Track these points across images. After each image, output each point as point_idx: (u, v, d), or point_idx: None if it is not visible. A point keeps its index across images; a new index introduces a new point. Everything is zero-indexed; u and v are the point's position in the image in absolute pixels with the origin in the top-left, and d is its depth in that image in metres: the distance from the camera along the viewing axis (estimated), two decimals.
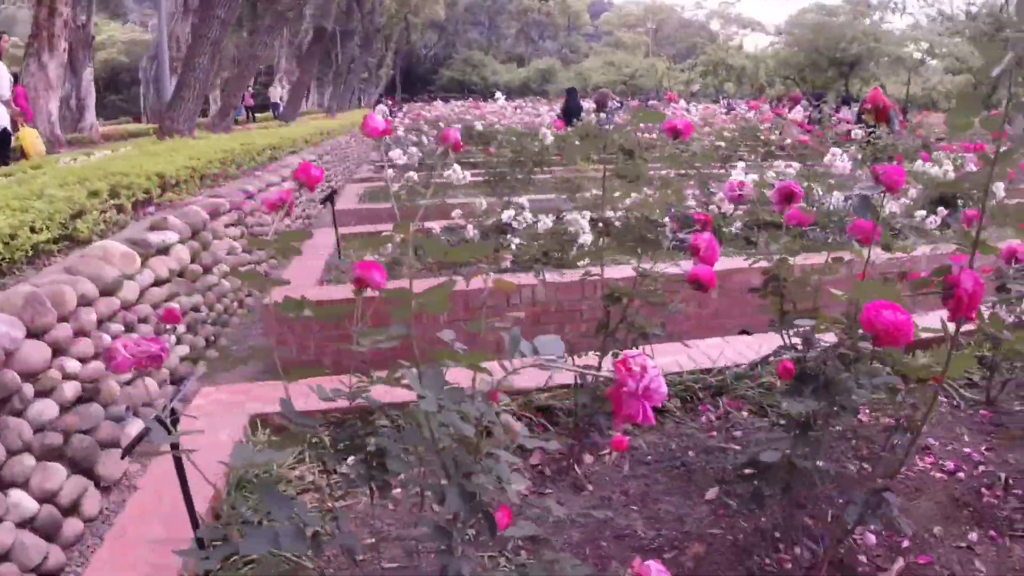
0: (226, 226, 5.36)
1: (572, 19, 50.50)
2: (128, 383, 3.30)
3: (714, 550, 1.96)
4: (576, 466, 2.28)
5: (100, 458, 2.82)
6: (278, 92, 18.69)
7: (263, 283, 1.44)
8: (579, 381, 2.26)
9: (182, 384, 1.60)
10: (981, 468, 2.47)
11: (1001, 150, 1.58)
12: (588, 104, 14.27)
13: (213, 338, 4.55)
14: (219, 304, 4.83)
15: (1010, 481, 2.38)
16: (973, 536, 2.10)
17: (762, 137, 9.87)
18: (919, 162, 6.11)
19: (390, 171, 5.04)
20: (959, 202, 5.88)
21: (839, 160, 4.83)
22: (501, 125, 11.84)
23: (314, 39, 12.77)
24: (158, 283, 3.86)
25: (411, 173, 4.86)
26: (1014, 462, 2.50)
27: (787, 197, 2.22)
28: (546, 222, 5.05)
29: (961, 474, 2.43)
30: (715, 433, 2.60)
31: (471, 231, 4.80)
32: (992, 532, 2.12)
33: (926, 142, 9.35)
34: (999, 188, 5.47)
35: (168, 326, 1.67)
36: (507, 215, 4.80)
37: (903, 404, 1.79)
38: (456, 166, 4.90)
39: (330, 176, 10.72)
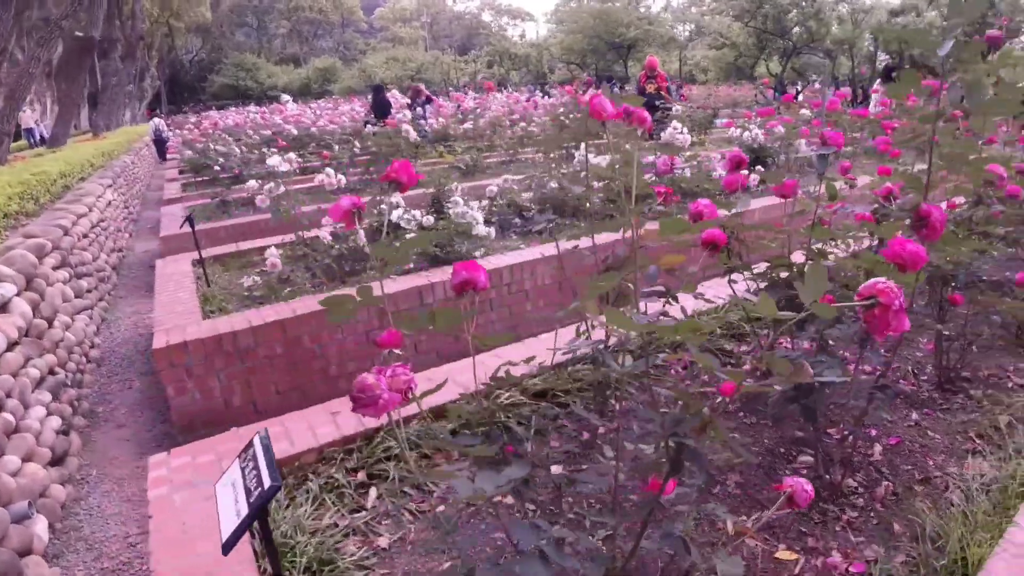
0: (54, 268, 4.55)
1: (346, 15, 49.04)
2: (15, 474, 2.72)
3: (746, 475, 2.17)
4: (598, 438, 2.36)
5: (24, 573, 2.31)
6: (31, 116, 15.78)
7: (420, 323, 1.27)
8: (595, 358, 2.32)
9: (266, 462, 1.37)
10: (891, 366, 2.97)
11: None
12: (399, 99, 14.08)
13: (77, 402, 3.87)
14: (70, 361, 4.12)
15: (915, 371, 2.91)
16: (915, 416, 2.55)
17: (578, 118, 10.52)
18: (732, 130, 6.98)
19: (253, 183, 4.60)
20: (767, 161, 6.86)
21: (680, 135, 5.37)
22: (316, 128, 11.29)
23: (80, 52, 10.98)
24: (11, 347, 3.21)
25: (279, 182, 4.47)
26: (909, 357, 3.05)
27: (738, 164, 2.48)
28: (427, 218, 4.96)
29: (877, 372, 2.90)
30: (689, 381, 2.82)
31: (362, 235, 4.57)
32: (926, 411, 2.58)
33: (715, 111, 10.63)
34: (801, 144, 6.47)
35: (394, 351, 1.41)
36: (396, 214, 4.65)
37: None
38: (329, 170, 4.62)
39: (128, 201, 9.48)
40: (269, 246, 5.49)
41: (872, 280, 1.13)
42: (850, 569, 1.72)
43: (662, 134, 6.28)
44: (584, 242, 5.02)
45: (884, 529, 1.89)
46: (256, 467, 1.33)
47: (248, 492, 1.30)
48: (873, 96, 10.50)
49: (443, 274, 4.40)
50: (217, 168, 8.38)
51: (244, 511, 1.26)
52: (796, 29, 25.87)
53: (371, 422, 2.52)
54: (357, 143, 10.32)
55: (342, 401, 2.75)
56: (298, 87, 39.34)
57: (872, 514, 1.98)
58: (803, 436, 2.39)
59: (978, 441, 2.27)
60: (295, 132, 10.62)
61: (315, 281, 4.48)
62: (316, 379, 4.11)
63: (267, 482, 1.27)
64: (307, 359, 4.03)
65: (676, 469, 1.21)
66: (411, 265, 4.50)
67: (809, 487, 1.45)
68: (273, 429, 2.54)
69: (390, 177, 1.33)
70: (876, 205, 2.91)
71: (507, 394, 2.63)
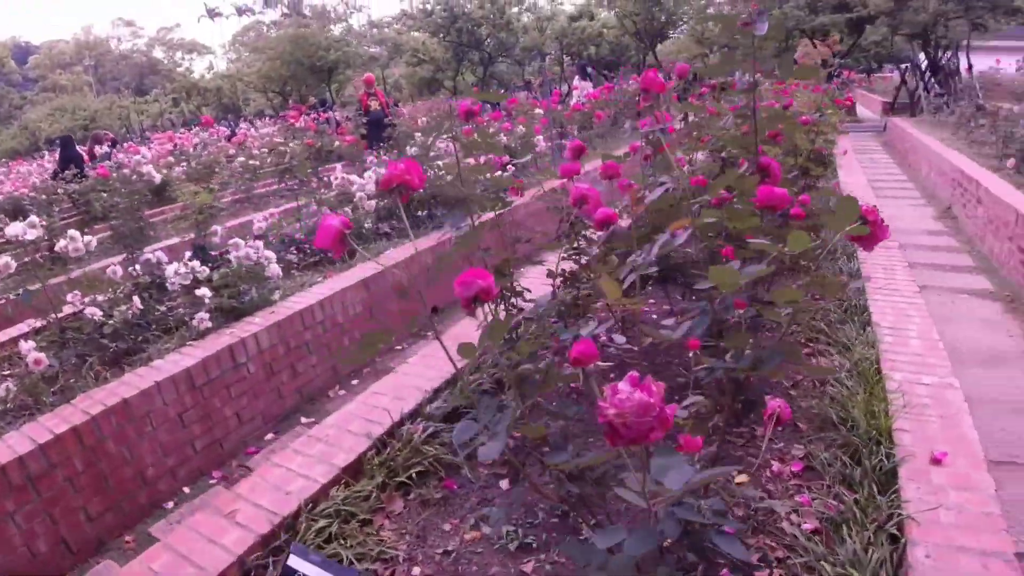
0: None
1: None
2: None
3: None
4: None
5: None
6: None
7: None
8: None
9: None
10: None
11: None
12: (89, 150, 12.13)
13: None
14: None
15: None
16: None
17: (309, 144, 10.13)
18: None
19: None
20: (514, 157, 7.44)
21: (441, 142, 5.57)
22: (2, 195, 9.39)
23: None
24: None
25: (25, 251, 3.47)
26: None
27: (578, 152, 2.67)
28: (203, 268, 4.33)
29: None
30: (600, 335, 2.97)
31: (137, 302, 3.83)
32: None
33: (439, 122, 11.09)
34: (539, 140, 7.13)
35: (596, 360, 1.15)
36: (171, 270, 4.00)
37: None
38: (74, 232, 3.79)
39: None
40: (7, 341, 4.36)
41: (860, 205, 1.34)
42: (792, 469, 2.00)
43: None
44: (398, 254, 4.90)
45: (792, 431, 2.23)
46: None
47: None
48: (575, 92, 11.91)
49: (250, 327, 3.95)
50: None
51: None
52: (488, 41, 28.02)
53: (287, 509, 2.16)
54: (55, 205, 8.80)
55: (231, 497, 2.33)
56: None
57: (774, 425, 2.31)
58: (685, 380, 2.68)
59: (811, 345, 2.78)
60: None
61: (95, 370, 3.68)
62: (133, 488, 3.37)
63: None
64: (116, 467, 3.29)
65: (750, 409, 1.30)
66: (208, 324, 3.94)
67: (786, 405, 1.66)
68: (163, 558, 2.05)
69: (398, 180, 1.13)
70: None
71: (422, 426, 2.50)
